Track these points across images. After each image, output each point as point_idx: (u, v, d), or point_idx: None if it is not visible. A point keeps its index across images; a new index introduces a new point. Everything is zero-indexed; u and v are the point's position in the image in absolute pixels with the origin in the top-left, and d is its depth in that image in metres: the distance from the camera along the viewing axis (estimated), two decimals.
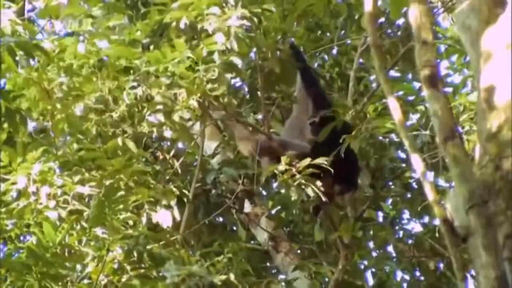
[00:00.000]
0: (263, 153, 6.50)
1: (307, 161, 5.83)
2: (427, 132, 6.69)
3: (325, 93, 6.76)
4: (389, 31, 7.47)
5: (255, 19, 5.57)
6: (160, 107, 5.40)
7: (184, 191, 6.11)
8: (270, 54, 5.89)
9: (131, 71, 5.49)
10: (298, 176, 5.81)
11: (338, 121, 6.09)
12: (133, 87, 5.42)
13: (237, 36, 5.44)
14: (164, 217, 5.42)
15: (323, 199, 5.98)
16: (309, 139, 6.51)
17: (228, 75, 5.58)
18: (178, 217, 5.58)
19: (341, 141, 6.00)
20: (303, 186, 5.83)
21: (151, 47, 5.94)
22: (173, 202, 5.49)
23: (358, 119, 6.15)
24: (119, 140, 5.43)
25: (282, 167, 5.84)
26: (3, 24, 5.37)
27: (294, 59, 6.23)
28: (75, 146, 5.59)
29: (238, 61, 5.57)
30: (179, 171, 6.77)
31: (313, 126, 6.45)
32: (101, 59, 5.52)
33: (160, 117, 5.44)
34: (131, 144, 5.46)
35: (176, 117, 5.44)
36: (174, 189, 5.64)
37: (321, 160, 5.83)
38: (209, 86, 5.43)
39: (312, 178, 5.83)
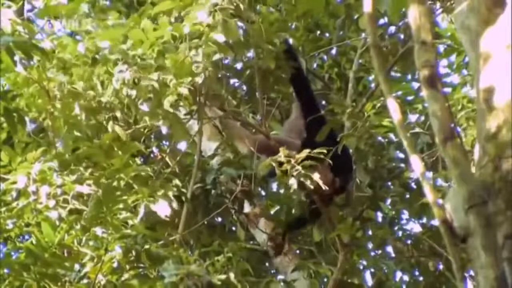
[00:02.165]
0: (261, 151, 6.50)
1: (305, 152, 5.81)
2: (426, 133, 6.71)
3: (314, 98, 6.68)
4: (390, 31, 7.48)
5: (241, 5, 5.53)
6: (150, 95, 5.36)
7: (183, 190, 6.11)
8: (266, 51, 5.86)
9: (120, 57, 5.45)
10: (297, 167, 5.78)
11: (333, 122, 6.11)
12: (121, 71, 5.38)
13: (224, 20, 5.40)
14: (162, 208, 5.37)
15: (322, 196, 5.99)
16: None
17: (216, 56, 5.53)
18: (176, 207, 5.54)
19: (338, 139, 6.04)
20: (302, 178, 5.80)
21: None
22: (171, 193, 5.44)
23: (355, 118, 6.15)
24: (109, 127, 5.40)
25: (281, 158, 5.82)
26: (3, 24, 5.36)
27: (287, 57, 6.19)
28: (71, 144, 5.58)
29: (222, 38, 5.50)
30: (177, 170, 6.77)
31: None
32: (97, 55, 5.50)
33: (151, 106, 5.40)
34: (117, 128, 5.43)
35: (166, 103, 5.40)
36: (174, 189, 5.62)
37: (320, 151, 5.80)
38: (198, 70, 5.40)
39: (311, 170, 5.82)
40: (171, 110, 5.45)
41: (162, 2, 5.61)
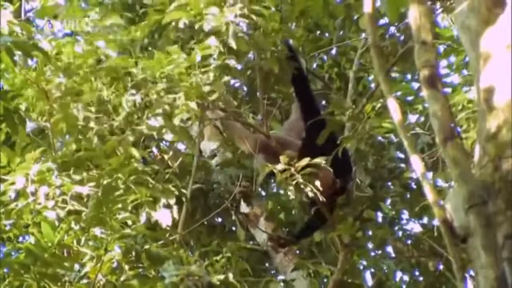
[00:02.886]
0: (262, 151, 6.50)
1: (305, 160, 5.82)
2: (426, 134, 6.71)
3: (315, 101, 6.67)
4: (390, 31, 7.48)
5: (254, 17, 5.55)
6: (159, 111, 5.38)
7: (183, 190, 6.11)
8: (269, 54, 5.87)
9: (129, 78, 5.47)
10: (297, 175, 5.80)
11: (333, 122, 6.11)
12: (131, 94, 5.39)
13: (235, 34, 5.41)
14: (163, 216, 5.39)
15: (321, 198, 5.98)
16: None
17: (225, 78, 5.55)
18: (177, 216, 5.56)
19: (338, 142, 6.03)
20: (302, 186, 5.82)
21: (150, 48, 5.93)
22: (172, 201, 5.46)
23: (355, 120, 6.15)
24: (120, 147, 5.41)
25: (280, 166, 5.83)
26: (2, 25, 5.36)
27: (289, 59, 6.19)
28: (74, 146, 5.57)
29: (234, 62, 5.53)
30: (177, 171, 6.77)
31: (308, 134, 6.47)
32: (99, 59, 5.50)
33: (160, 120, 5.41)
34: (133, 150, 5.44)
35: (176, 121, 5.41)
36: (173, 189, 5.62)
37: (320, 160, 5.81)
38: (206, 89, 5.41)
39: (311, 177, 5.82)
40: (181, 124, 5.46)
41: (171, 12, 5.59)
